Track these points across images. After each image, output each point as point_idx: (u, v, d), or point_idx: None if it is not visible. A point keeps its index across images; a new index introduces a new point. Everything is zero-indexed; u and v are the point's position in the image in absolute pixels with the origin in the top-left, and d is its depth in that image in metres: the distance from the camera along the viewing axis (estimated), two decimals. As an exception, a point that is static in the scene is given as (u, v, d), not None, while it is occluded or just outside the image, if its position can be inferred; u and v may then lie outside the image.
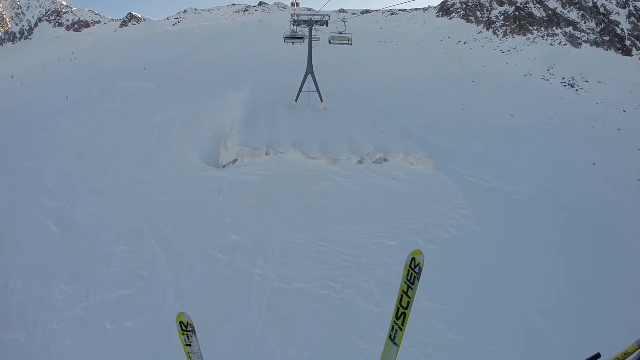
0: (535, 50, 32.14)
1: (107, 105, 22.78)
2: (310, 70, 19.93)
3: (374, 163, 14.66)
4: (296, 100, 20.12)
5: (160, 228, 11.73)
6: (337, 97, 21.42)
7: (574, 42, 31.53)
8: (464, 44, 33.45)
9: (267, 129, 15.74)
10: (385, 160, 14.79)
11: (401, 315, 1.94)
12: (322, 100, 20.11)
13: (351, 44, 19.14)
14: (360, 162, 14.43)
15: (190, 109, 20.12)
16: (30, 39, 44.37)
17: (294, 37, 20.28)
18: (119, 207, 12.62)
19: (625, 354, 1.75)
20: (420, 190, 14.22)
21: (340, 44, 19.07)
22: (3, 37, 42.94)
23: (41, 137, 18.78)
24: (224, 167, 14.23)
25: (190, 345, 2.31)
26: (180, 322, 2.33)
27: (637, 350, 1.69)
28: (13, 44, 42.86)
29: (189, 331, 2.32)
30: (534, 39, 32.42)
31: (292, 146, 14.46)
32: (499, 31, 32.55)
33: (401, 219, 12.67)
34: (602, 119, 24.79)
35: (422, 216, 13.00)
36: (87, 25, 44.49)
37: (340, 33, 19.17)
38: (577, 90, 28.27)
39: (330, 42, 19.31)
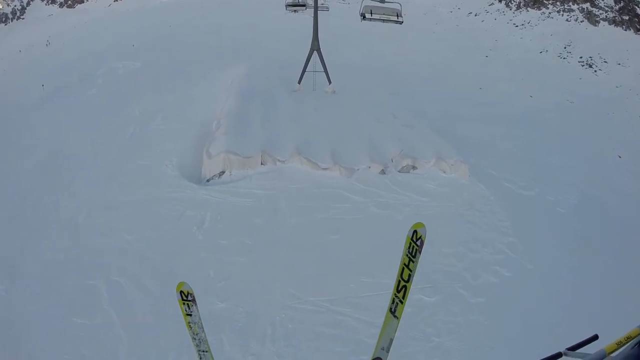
0: (550, 26, 26.01)
1: (86, 92, 17.11)
2: (316, 46, 14.22)
3: (400, 172, 10.01)
4: (299, 82, 14.63)
5: (122, 287, 7.25)
6: (343, 75, 15.92)
7: (591, 19, 25.38)
8: (475, 15, 27.26)
9: (263, 126, 10.61)
10: (414, 167, 10.06)
11: (402, 288, 1.66)
12: (330, 82, 14.66)
13: (402, 22, 10.55)
14: (382, 172, 9.58)
15: (174, 95, 14.74)
16: (23, 18, 37.02)
17: (295, 5, 14.75)
18: (73, 250, 8.08)
19: (627, 338, 1.34)
20: (457, 209, 9.67)
21: (383, 20, 10.28)
22: (-5, 19, 35.75)
23: (9, 137, 13.81)
24: (207, 181, 9.38)
25: (190, 315, 1.95)
26: (181, 292, 1.93)
27: (639, 334, 1.30)
28: (5, 24, 35.67)
29: (190, 300, 1.95)
30: (549, 13, 26.23)
31: (296, 151, 9.46)
32: (511, 3, 26.33)
33: (439, 257, 8.25)
34: (622, 104, 19.80)
35: (463, 250, 8.58)
36: (80, 0, 36.97)
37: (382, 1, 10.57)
38: (595, 71, 22.73)
39: (363, 17, 10.37)
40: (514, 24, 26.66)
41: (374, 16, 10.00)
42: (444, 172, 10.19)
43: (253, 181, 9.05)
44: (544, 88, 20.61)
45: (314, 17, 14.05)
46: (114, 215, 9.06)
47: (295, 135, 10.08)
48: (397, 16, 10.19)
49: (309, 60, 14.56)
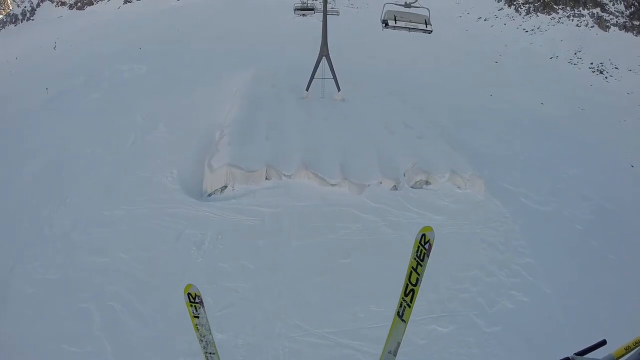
0: (560, 31, 24.81)
1: (89, 96, 16.42)
2: (325, 52, 13.30)
3: (413, 187, 9.20)
4: (307, 89, 13.74)
5: (116, 312, 6.53)
6: (352, 80, 15.05)
7: (602, 24, 24.15)
8: (484, 20, 26.17)
9: (269, 137, 9.74)
10: (427, 182, 9.22)
11: (410, 291, 1.60)
12: (339, 89, 13.79)
13: (430, 32, 8.55)
14: (394, 188, 8.72)
15: (179, 101, 14.00)
16: (33, 19, 36.50)
17: (304, 9, 13.94)
18: (67, 270, 7.34)
19: (636, 343, 1.32)
20: (473, 228, 8.81)
21: (409, 29, 8.30)
22: (5, 20, 35.17)
23: (9, 142, 13.17)
24: (209, 195, 8.60)
25: (198, 317, 1.87)
26: (188, 294, 1.83)
27: None
28: (15, 25, 35.18)
29: (197, 303, 1.86)
30: (559, 18, 25.02)
31: (303, 165, 8.61)
32: (521, 8, 25.18)
33: (453, 282, 7.41)
34: (634, 111, 18.73)
35: (478, 274, 7.73)
36: (90, 2, 36.29)
37: (409, 4, 8.26)
38: (606, 77, 21.59)
39: (385, 25, 8.30)
40: (524, 29, 25.52)
41: (399, 24, 7.99)
42: (459, 187, 9.34)
43: (257, 197, 8.24)
44: (555, 95, 19.57)
45: (323, 22, 13.24)
46: (110, 231, 8.33)
47: (303, 148, 9.22)
48: (426, 24, 8.23)
49: (317, 67, 13.72)
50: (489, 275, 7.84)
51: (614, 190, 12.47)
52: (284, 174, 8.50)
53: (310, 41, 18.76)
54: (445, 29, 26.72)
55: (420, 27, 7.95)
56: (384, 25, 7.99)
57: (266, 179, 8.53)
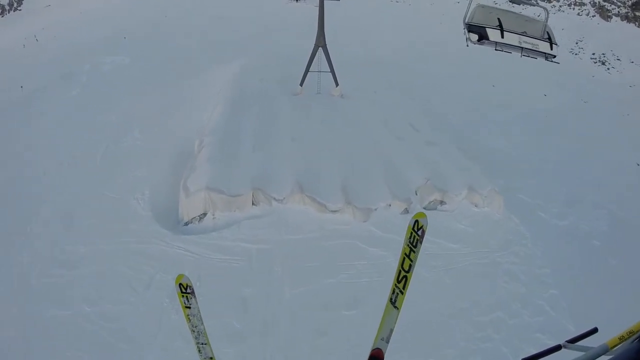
0: (561, 20, 21.87)
1: (66, 94, 13.31)
2: (321, 42, 10.51)
3: (426, 209, 7.10)
4: (301, 84, 11.02)
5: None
6: (350, 72, 12.25)
7: (603, 14, 21.28)
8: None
9: (256, 149, 7.36)
10: (442, 202, 7.27)
11: (402, 278, 1.42)
12: (337, 84, 11.08)
13: (554, 57, 5.82)
14: (405, 211, 6.56)
15: (159, 98, 11.21)
16: (20, 9, 32.01)
17: None
18: (22, 327, 5.32)
19: (630, 333, 1.18)
20: (494, 256, 6.73)
21: (523, 50, 4.97)
22: (-11, 10, 30.69)
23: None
24: (185, 224, 6.40)
25: (189, 308, 1.68)
26: (180, 284, 1.63)
27: None
28: (2, 16, 30.76)
29: (188, 293, 1.67)
30: (560, 6, 22.09)
31: (297, 187, 6.37)
32: (520, -7, 22.39)
33: (474, 329, 5.35)
34: (637, 105, 16.62)
35: (501, 316, 5.75)
36: (79, -11, 31.77)
37: None
38: (608, 69, 19.09)
39: (479, 39, 4.51)
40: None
41: (507, 39, 4.31)
42: (476, 205, 7.37)
43: (242, 229, 6.03)
44: (557, 86, 17.14)
45: (319, 8, 10.55)
46: (72, 276, 6.03)
47: (297, 162, 6.88)
48: (550, 42, 4.54)
49: (312, 59, 11.08)
50: (513, 316, 6.05)
51: (624, 194, 10.66)
52: (275, 198, 6.23)
53: (304, 29, 15.96)
54: (444, 15, 23.68)
55: (540, 50, 4.07)
56: (471, 39, 3.73)
57: (253, 204, 6.30)
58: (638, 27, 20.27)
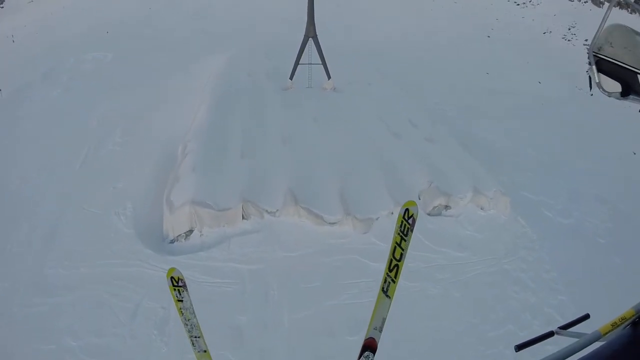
0: (553, 5, 20.55)
1: (46, 95, 11.80)
2: (311, 32, 9.30)
3: (430, 215, 6.31)
4: (291, 78, 9.77)
5: None
6: (340, 62, 10.97)
7: (596, 0, 20.14)
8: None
9: (245, 153, 6.38)
10: (447, 207, 6.45)
11: (394, 267, 1.36)
12: (329, 77, 9.90)
13: None
14: None
15: (142, 96, 10.02)
16: (2, 6, 29.43)
17: None
18: None
19: (622, 319, 1.04)
20: (502, 264, 6.00)
21: None
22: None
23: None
24: (171, 242, 5.57)
25: (182, 301, 1.56)
26: (171, 278, 1.52)
27: (634, 315, 0.98)
28: None
29: (180, 286, 1.55)
30: (551, -9, 20.86)
31: (291, 197, 5.50)
32: (511, -22, 20.75)
33: (484, 346, 4.64)
34: None
35: (512, 329, 5.01)
36: (61, -19, 29.12)
37: None
38: None
39: (625, 93, 1.12)
40: (515, 2, 21.14)
41: None
42: (482, 208, 6.68)
43: (232, 247, 5.20)
44: (551, 73, 16.13)
45: (308, -3, 9.31)
46: (54, 304, 5.17)
47: (289, 169, 5.95)
48: None
49: (302, 51, 9.91)
50: (523, 328, 5.42)
51: (625, 186, 10.10)
52: (267, 211, 5.39)
53: (293, 19, 14.65)
54: (434, 1, 22.21)
55: None
56: (604, 88, 1.21)
57: (243, 218, 5.44)
58: (630, 13, 19.15)
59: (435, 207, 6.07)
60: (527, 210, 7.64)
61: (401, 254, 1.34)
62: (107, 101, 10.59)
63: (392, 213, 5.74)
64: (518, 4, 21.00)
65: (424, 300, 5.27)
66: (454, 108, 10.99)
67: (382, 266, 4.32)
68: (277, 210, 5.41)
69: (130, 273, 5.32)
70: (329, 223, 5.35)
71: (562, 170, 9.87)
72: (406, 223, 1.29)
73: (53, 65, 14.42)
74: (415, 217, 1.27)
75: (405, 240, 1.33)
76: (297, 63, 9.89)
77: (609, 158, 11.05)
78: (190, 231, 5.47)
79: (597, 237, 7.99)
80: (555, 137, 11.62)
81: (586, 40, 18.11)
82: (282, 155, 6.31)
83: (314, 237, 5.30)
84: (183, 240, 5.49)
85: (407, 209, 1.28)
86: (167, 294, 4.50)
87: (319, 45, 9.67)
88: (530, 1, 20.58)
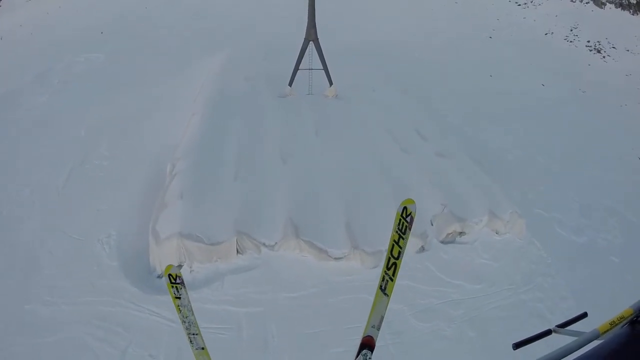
0: (554, 6, 19.24)
1: (35, 101, 10.58)
2: (312, 35, 8.16)
3: (444, 242, 5.50)
4: (290, 84, 8.70)
5: None
6: (342, 65, 9.85)
7: (598, 0, 18.91)
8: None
9: (239, 176, 5.39)
10: (462, 233, 5.71)
11: (392, 265, 1.30)
12: (331, 83, 8.81)
13: None
14: (421, 249, 4.98)
15: (132, 103, 8.99)
16: (0, 6, 27.64)
17: None
18: None
19: (620, 318, 1.04)
20: (518, 294, 5.02)
21: None
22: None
23: None
24: (159, 277, 4.67)
25: (179, 298, 1.47)
26: (169, 275, 1.43)
27: (632, 314, 0.99)
28: None
29: (178, 283, 1.47)
30: (554, -9, 19.57)
31: (291, 228, 4.58)
32: (512, -22, 19.37)
33: None
34: (633, 95, 14.74)
35: None
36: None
37: None
38: (604, 57, 16.88)
39: None
40: (516, 2, 19.78)
41: None
42: (497, 232, 5.90)
43: (226, 287, 4.31)
44: (554, 74, 15.06)
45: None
46: (36, 345, 4.34)
47: (289, 194, 5.04)
48: None
49: (303, 55, 8.84)
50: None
51: (632, 194, 9.34)
52: (264, 244, 4.54)
53: (293, 19, 13.51)
54: (435, 1, 20.86)
55: None
56: None
57: (238, 252, 4.56)
58: (632, 14, 18.01)
59: (450, 234, 5.27)
60: (541, 229, 6.85)
61: (399, 252, 1.29)
62: (97, 106, 9.49)
63: (403, 243, 4.96)
64: (519, 4, 19.70)
65: (438, 341, 4.51)
66: (460, 114, 10.03)
67: (396, 306, 3.36)
68: (276, 243, 4.56)
69: (115, 314, 4.49)
70: (335, 258, 4.51)
71: (571, 179, 9.05)
72: (404, 221, 1.23)
73: (45, 67, 13.14)
74: (413, 215, 1.21)
75: (403, 239, 1.27)
76: (296, 68, 8.83)
77: (615, 166, 10.22)
78: (180, 266, 4.65)
79: (611, 256, 7.25)
80: (561, 142, 10.72)
81: (588, 41, 17.02)
82: (281, 176, 5.39)
83: (318, 274, 4.48)
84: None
85: (405, 207, 1.23)
86: (155, 341, 3.56)
87: (320, 49, 8.61)
88: (531, 1, 19.31)
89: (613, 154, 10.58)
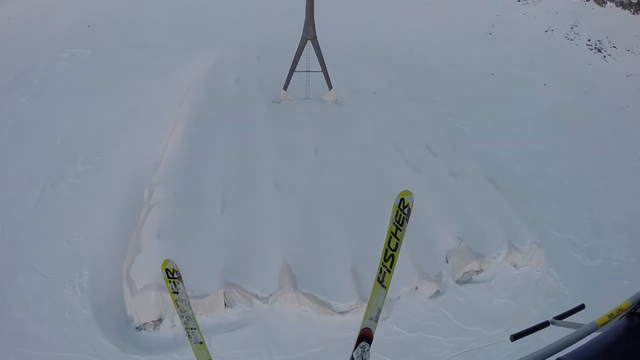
0: (554, 3, 17.49)
1: (15, 102, 9.03)
2: (310, 34, 6.69)
3: (459, 282, 4.53)
4: (285, 88, 7.33)
5: None
6: (341, 65, 8.62)
7: None
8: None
9: (226, 208, 4.23)
10: (479, 271, 4.90)
11: (389, 257, 1.23)
12: (330, 87, 7.44)
13: None
14: (436, 294, 4.05)
15: (114, 106, 7.71)
16: None
17: None
18: None
19: (619, 310, 1.00)
20: (537, 335, 4.73)
21: None
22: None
23: None
24: (137, 329, 3.70)
25: (177, 293, 1.40)
26: (166, 270, 1.36)
27: (630, 306, 0.95)
28: None
29: (175, 278, 1.40)
30: (554, -12, 17.85)
31: (288, 278, 3.56)
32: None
33: None
34: (635, 96, 13.63)
35: None
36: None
37: None
38: (604, 57, 15.45)
39: None
40: None
41: None
42: (515, 265, 5.08)
43: (213, 348, 3.42)
44: (555, 74, 13.71)
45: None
46: None
47: (285, 231, 4.01)
48: None
49: (299, 55, 7.45)
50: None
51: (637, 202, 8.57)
52: (257, 296, 3.60)
53: (288, 14, 11.94)
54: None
55: None
56: None
57: (226, 306, 3.63)
58: (633, 14, 16.50)
59: (466, 273, 4.41)
60: (557, 255, 5.97)
61: (397, 244, 1.18)
62: (76, 111, 8.17)
63: (417, 288, 4.06)
64: (519, 0, 18.01)
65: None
66: (466, 120, 8.87)
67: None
68: (270, 295, 3.61)
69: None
70: (339, 312, 3.63)
71: (581, 194, 8.06)
72: (402, 213, 1.15)
73: (28, 64, 11.44)
74: (410, 207, 1.16)
75: (400, 230, 1.18)
76: (292, 70, 7.45)
77: (623, 176, 9.17)
78: (159, 320, 3.75)
79: (624, 279, 6.51)
80: (568, 151, 9.56)
81: (589, 40, 15.64)
82: (275, 208, 4.32)
83: (320, 331, 3.59)
84: (152, 329, 3.75)
85: (402, 199, 1.17)
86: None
87: (319, 49, 7.23)
88: (532, -2, 17.65)
89: (618, 162, 9.68)
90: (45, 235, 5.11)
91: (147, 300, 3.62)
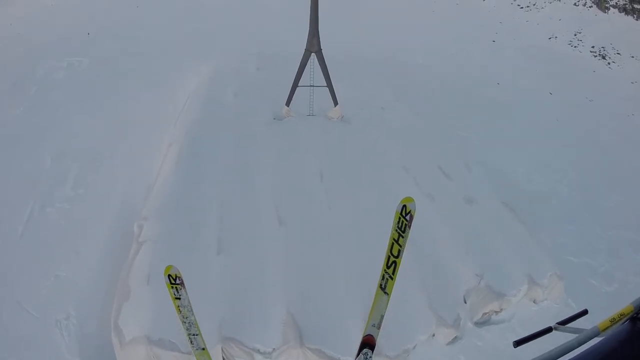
0: (557, 10, 16.93)
1: (9, 113, 8.46)
2: (314, 47, 6.02)
3: (478, 324, 4.03)
4: (287, 104, 6.75)
5: None
6: (345, 77, 8.18)
7: (601, 5, 16.49)
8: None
9: (223, 248, 3.72)
10: (499, 311, 4.38)
11: (392, 263, 1.21)
12: (335, 103, 6.86)
13: None
14: (454, 340, 3.60)
15: (108, 120, 7.25)
16: None
17: None
18: None
19: (621, 315, 0.98)
20: None
21: None
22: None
23: None
24: None
25: (179, 299, 1.39)
26: (169, 275, 1.32)
27: (632, 311, 0.91)
28: None
29: (178, 284, 1.37)
30: (555, -5, 17.22)
31: (294, 332, 3.06)
32: (514, -19, 16.88)
33: None
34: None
35: None
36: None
37: None
38: (608, 63, 14.84)
39: None
40: (519, 4, 17.35)
41: None
42: (534, 301, 4.64)
43: None
44: (560, 82, 13.11)
45: (311, 2, 6.29)
46: None
47: (289, 276, 3.53)
48: None
49: (303, 69, 6.84)
50: None
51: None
52: (259, 351, 3.09)
53: (292, 21, 11.39)
54: (435, 2, 18.39)
55: None
56: None
57: None
58: (636, 20, 15.91)
59: (486, 314, 3.93)
60: (575, 283, 5.44)
61: (399, 251, 1.13)
62: (70, 125, 7.67)
63: (434, 335, 3.59)
64: (522, 7, 17.37)
65: None
66: (475, 133, 8.31)
67: None
68: (274, 349, 3.14)
69: None
70: (350, 369, 3.21)
71: (594, 211, 7.47)
72: (404, 219, 1.08)
73: (26, 73, 10.85)
74: (412, 214, 1.08)
75: (402, 237, 1.11)
76: (295, 85, 6.90)
77: (633, 188, 8.84)
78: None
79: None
80: (577, 164, 9.03)
81: (592, 47, 15.07)
82: (278, 247, 3.77)
83: (329, 392, 3.16)
84: (140, 387, 3.31)
85: (404, 206, 1.09)
86: None
87: (324, 62, 6.66)
88: (534, 4, 17.05)
89: (627, 172, 9.17)
90: (31, 267, 4.60)
91: (136, 355, 3.12)
